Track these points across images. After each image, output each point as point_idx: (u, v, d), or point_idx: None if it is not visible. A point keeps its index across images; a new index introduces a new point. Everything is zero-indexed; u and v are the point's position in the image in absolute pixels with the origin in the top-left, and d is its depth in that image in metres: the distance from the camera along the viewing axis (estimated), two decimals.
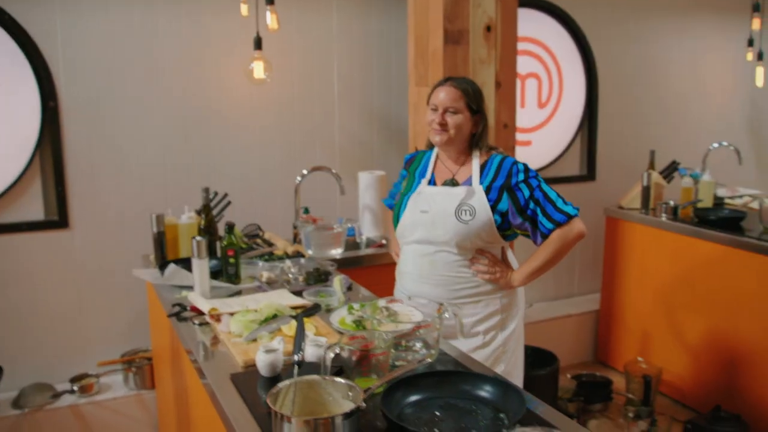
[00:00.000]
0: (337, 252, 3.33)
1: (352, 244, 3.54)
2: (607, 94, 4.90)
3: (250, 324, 2.10)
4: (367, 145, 4.16)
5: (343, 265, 3.22)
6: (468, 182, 2.40)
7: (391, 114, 4.19)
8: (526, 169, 2.38)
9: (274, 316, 2.15)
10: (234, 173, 3.83)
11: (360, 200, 3.65)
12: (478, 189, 2.36)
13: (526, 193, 2.34)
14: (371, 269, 3.37)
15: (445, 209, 2.36)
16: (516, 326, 2.53)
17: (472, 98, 2.39)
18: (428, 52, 3.36)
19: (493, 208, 2.34)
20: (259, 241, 3.38)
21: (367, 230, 3.63)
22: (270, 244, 3.32)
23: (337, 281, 2.53)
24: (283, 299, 2.40)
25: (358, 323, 2.12)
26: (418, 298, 2.29)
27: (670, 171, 4.56)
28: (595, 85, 4.82)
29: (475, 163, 2.42)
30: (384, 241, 3.54)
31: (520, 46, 4.31)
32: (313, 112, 4.00)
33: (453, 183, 2.43)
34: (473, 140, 2.44)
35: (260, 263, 2.94)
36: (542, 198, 2.35)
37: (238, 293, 2.57)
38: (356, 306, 2.27)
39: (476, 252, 2.39)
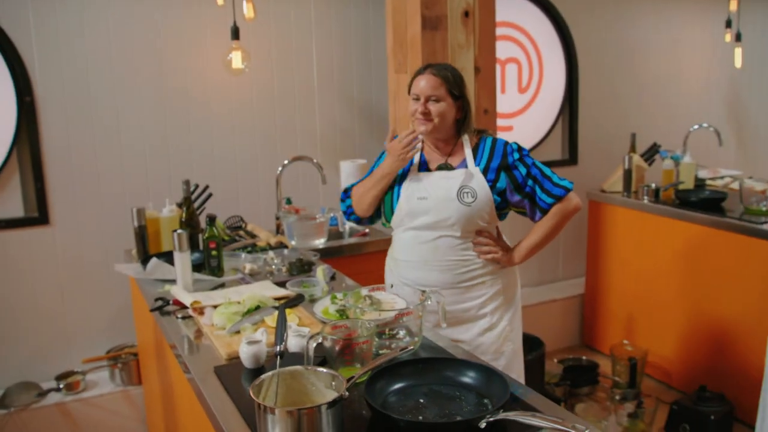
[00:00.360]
0: (320, 242, 3.32)
1: (335, 234, 3.53)
2: (587, 78, 4.90)
3: (233, 316, 2.09)
4: (348, 133, 4.14)
5: (326, 254, 3.22)
6: (463, 165, 2.41)
7: (371, 102, 4.17)
8: (519, 148, 2.44)
9: (257, 308, 2.15)
10: (215, 165, 3.81)
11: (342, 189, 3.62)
12: (476, 171, 2.37)
13: (523, 171, 2.39)
14: (355, 258, 3.37)
15: (447, 194, 2.36)
16: (517, 304, 2.58)
17: (453, 84, 2.38)
18: (407, 39, 3.35)
19: (492, 188, 2.37)
20: (241, 232, 3.37)
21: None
22: (253, 236, 3.30)
23: (320, 271, 2.53)
24: (266, 290, 2.38)
25: (342, 312, 2.12)
26: (421, 286, 2.31)
27: (651, 153, 4.58)
28: (575, 70, 4.83)
29: (467, 146, 2.43)
30: (367, 230, 3.53)
31: (499, 31, 4.31)
32: (292, 102, 3.97)
33: (448, 167, 2.42)
34: (458, 126, 2.45)
35: (243, 255, 2.92)
36: (539, 174, 2.41)
37: (221, 286, 2.56)
38: (339, 295, 2.26)
39: (476, 233, 2.41)
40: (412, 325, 1.89)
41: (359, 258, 3.38)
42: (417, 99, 2.39)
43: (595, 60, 4.92)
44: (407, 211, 2.42)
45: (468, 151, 2.42)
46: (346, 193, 2.64)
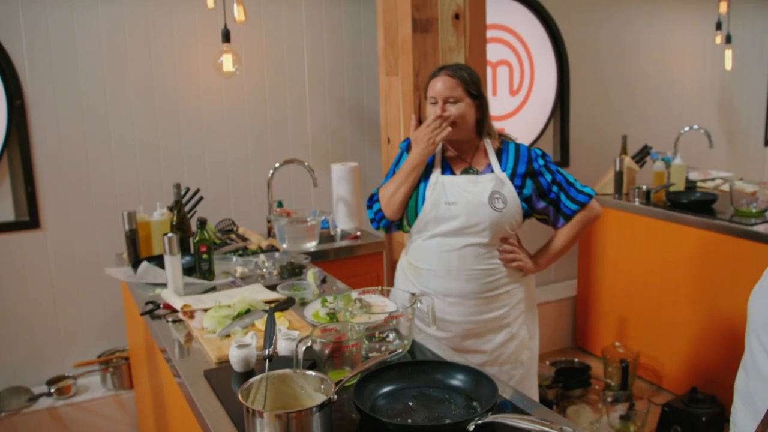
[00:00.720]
0: (311, 245, 3.32)
1: (326, 237, 3.52)
2: (578, 80, 4.92)
3: (223, 320, 2.09)
4: (339, 136, 4.15)
5: (317, 257, 3.22)
6: (488, 170, 2.38)
7: (362, 104, 4.18)
8: (543, 154, 2.43)
9: (248, 311, 2.14)
10: (206, 168, 3.81)
11: (334, 192, 3.64)
12: (504, 177, 2.35)
13: (548, 177, 2.38)
14: (346, 261, 3.36)
15: (477, 199, 2.32)
16: (535, 310, 2.56)
17: (471, 84, 2.35)
18: (397, 41, 3.36)
19: (518, 194, 2.35)
20: (233, 236, 3.37)
21: (342, 222, 3.62)
22: (244, 239, 3.31)
23: (311, 274, 2.53)
24: (257, 294, 2.39)
25: (332, 316, 2.12)
26: (444, 296, 2.31)
27: (642, 155, 4.60)
28: (566, 72, 4.84)
29: (490, 150, 2.40)
30: (358, 233, 3.54)
31: (490, 33, 4.32)
32: (284, 104, 3.98)
33: (475, 171, 2.39)
34: (478, 126, 2.41)
35: (234, 258, 2.92)
36: (564, 181, 2.40)
37: (212, 289, 2.56)
38: (330, 298, 2.26)
39: (500, 241, 2.38)
40: (401, 327, 1.89)
41: (351, 261, 3.37)
42: (434, 102, 2.35)
43: (586, 62, 4.94)
44: (433, 216, 2.36)
45: (492, 156, 2.39)
46: (372, 198, 2.55)
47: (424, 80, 3.27)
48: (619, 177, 4.33)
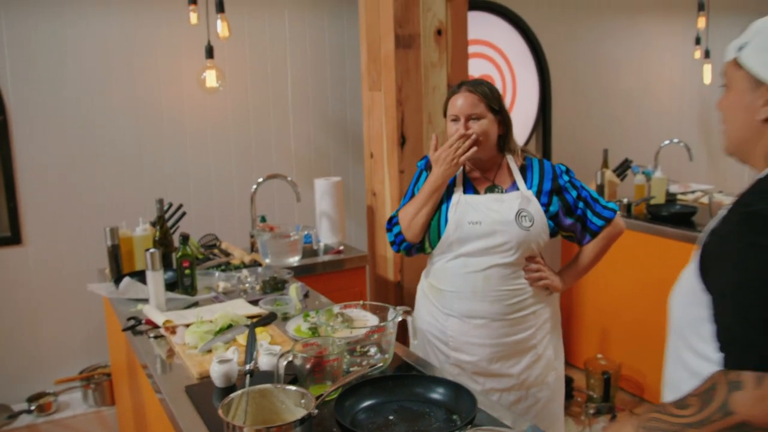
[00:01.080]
0: (294, 260, 3.33)
1: (309, 252, 3.52)
2: (560, 95, 4.98)
3: (205, 335, 2.09)
4: (322, 151, 4.17)
5: (300, 272, 3.21)
6: (513, 188, 2.33)
7: (346, 119, 4.20)
8: (568, 170, 2.39)
9: (230, 327, 2.15)
10: (189, 183, 3.81)
11: (317, 207, 3.65)
12: (530, 194, 2.29)
13: (574, 193, 2.34)
14: (329, 276, 3.37)
15: (504, 218, 2.25)
16: (559, 329, 2.49)
17: (492, 99, 2.29)
18: (380, 57, 3.39)
19: (545, 212, 2.30)
20: (216, 251, 3.37)
21: (325, 237, 3.63)
22: (227, 254, 3.31)
23: (294, 289, 2.53)
24: (239, 309, 2.39)
25: (314, 330, 2.13)
26: (469, 318, 2.27)
27: (623, 169, 4.65)
28: (548, 86, 4.90)
29: (514, 167, 2.35)
30: (341, 248, 3.55)
31: (473, 48, 4.36)
32: (268, 119, 3.99)
33: (500, 189, 2.33)
34: (500, 142, 2.36)
35: (217, 273, 2.92)
36: (589, 197, 2.36)
37: (195, 304, 2.56)
38: (312, 313, 2.26)
39: (526, 260, 2.32)
40: (382, 342, 1.90)
41: (334, 276, 3.38)
42: (456, 120, 2.29)
43: (568, 76, 5.00)
44: (457, 237, 2.28)
45: (517, 173, 2.34)
46: (391, 221, 2.45)
47: (406, 96, 3.32)
48: (600, 190, 4.37)
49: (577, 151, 5.06)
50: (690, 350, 1.30)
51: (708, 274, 1.22)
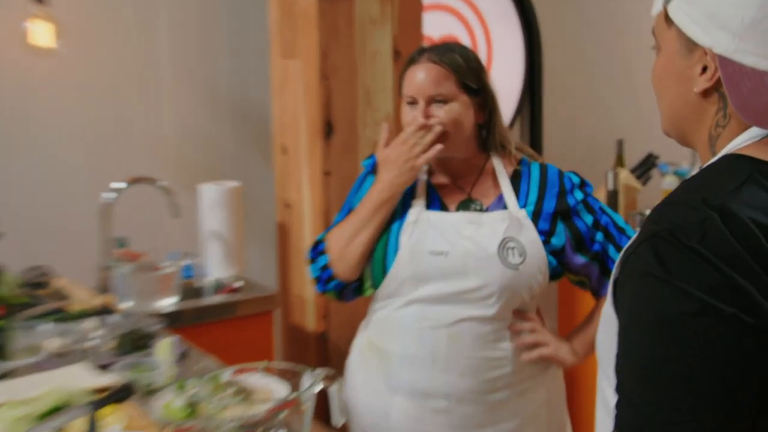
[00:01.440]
0: (167, 302, 3.29)
1: (191, 291, 3.49)
2: (554, 66, 5.02)
3: (18, 422, 1.99)
4: (212, 143, 4.14)
5: (176, 321, 3.16)
6: (499, 205, 2.26)
7: (247, 99, 4.21)
8: (583, 182, 2.30)
9: (60, 408, 2.05)
10: (8, 191, 3.70)
11: (202, 225, 3.61)
12: (522, 216, 2.21)
13: (588, 219, 2.25)
14: (220, 326, 3.34)
15: (482, 249, 2.16)
16: (566, 420, 2.43)
17: (467, 73, 2.22)
18: (296, 12, 3.42)
19: (545, 243, 2.20)
20: (46, 292, 3.31)
21: (215, 269, 3.58)
22: (63, 297, 3.24)
23: (164, 346, 2.44)
24: (79, 379, 2.31)
25: (192, 408, 2.04)
26: (426, 395, 2.19)
27: (646, 168, 4.66)
28: (537, 54, 4.94)
29: (502, 174, 2.29)
30: (239, 285, 3.49)
31: None
32: (130, 98, 3.96)
33: (478, 206, 2.27)
34: (482, 134, 2.31)
35: (47, 326, 2.82)
36: (611, 225, 2.26)
37: (7, 375, 2.46)
38: (191, 382, 2.17)
39: (513, 315, 2.23)
40: (293, 422, 1.82)
41: (227, 325, 3.35)
42: (413, 102, 2.24)
43: (567, 42, 5.06)
44: (412, 273, 2.20)
45: (506, 184, 2.27)
46: (316, 248, 2.40)
47: (334, 66, 3.41)
48: (613, 198, 4.36)
49: (577, 144, 5.10)
50: (609, 385, 1.33)
51: (617, 299, 1.27)
